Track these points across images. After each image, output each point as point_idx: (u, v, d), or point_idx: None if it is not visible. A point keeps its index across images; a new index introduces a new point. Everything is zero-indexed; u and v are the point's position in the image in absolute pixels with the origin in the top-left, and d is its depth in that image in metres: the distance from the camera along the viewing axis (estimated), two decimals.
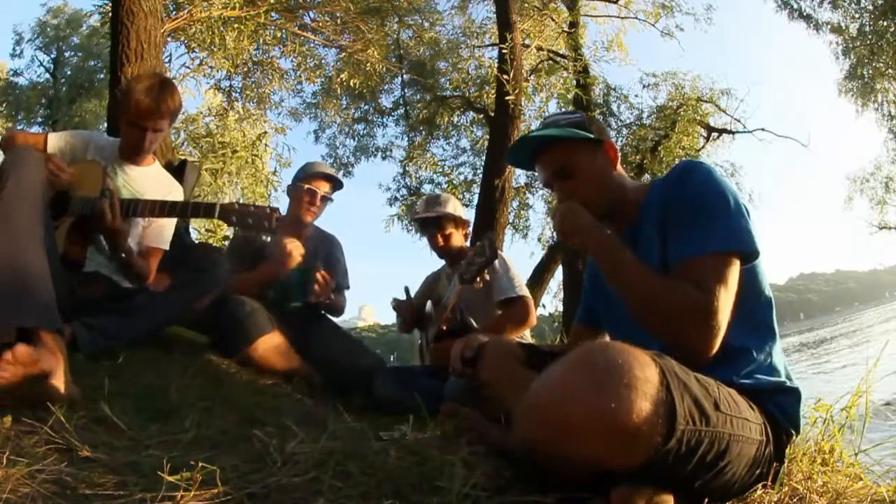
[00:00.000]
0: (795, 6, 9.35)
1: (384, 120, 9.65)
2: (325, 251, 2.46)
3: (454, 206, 2.45)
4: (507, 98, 5.73)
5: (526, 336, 2.38)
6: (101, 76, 12.78)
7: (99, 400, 1.13)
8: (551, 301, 8.86)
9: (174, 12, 5.01)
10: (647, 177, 8.03)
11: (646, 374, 0.76)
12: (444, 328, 2.08)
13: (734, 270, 1.00)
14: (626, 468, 0.78)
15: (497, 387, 1.20)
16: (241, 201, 1.82)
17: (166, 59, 5.03)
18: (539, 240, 8.85)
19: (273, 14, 5.97)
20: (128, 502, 0.78)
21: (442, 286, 2.44)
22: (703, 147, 8.87)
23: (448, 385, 1.78)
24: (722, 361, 0.97)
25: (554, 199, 1.41)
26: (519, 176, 7.69)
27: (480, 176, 7.77)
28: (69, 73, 14.02)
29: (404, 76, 8.64)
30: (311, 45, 6.72)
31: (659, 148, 8.35)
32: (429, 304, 2.36)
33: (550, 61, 8.44)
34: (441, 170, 9.18)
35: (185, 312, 1.82)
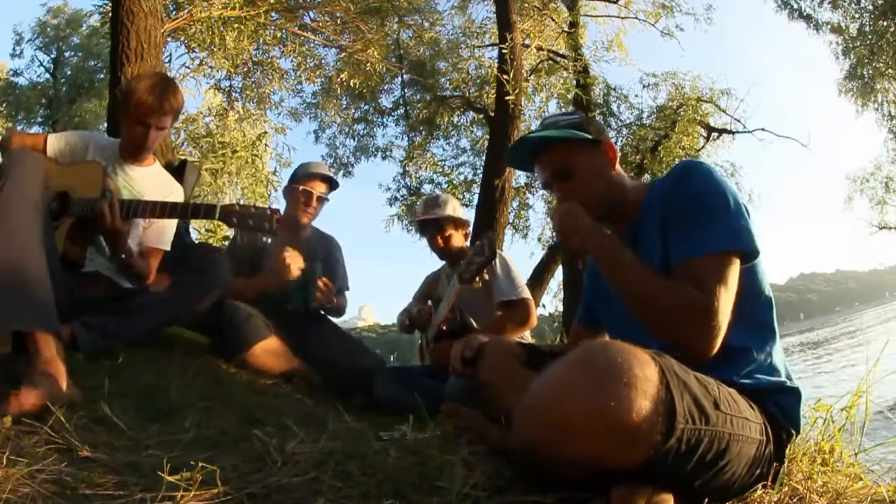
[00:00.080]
0: (795, 6, 9.36)
1: (384, 120, 9.66)
2: (324, 252, 2.46)
3: (453, 207, 2.45)
4: (507, 98, 5.73)
5: (526, 336, 2.38)
6: (101, 76, 12.78)
7: (99, 400, 1.13)
8: (551, 301, 8.88)
9: (174, 12, 5.01)
10: (647, 177, 8.03)
11: (645, 372, 0.76)
12: (444, 328, 2.08)
13: (734, 270, 1.00)
14: (626, 467, 0.78)
15: (497, 387, 1.20)
16: (241, 202, 1.82)
17: (166, 59, 5.03)
18: (539, 240, 8.86)
19: (273, 14, 5.96)
20: (128, 502, 0.78)
21: (442, 286, 2.44)
22: (703, 147, 8.87)
23: (448, 385, 1.78)
24: (722, 361, 0.97)
25: (554, 200, 1.41)
26: (519, 176, 7.68)
27: (480, 176, 7.77)
28: (69, 73, 14.02)
29: (404, 76, 8.64)
30: (311, 45, 6.72)
31: (659, 148, 8.35)
32: (429, 304, 2.36)
33: (550, 61, 8.44)
34: (441, 170, 9.18)
35: (185, 313, 1.82)
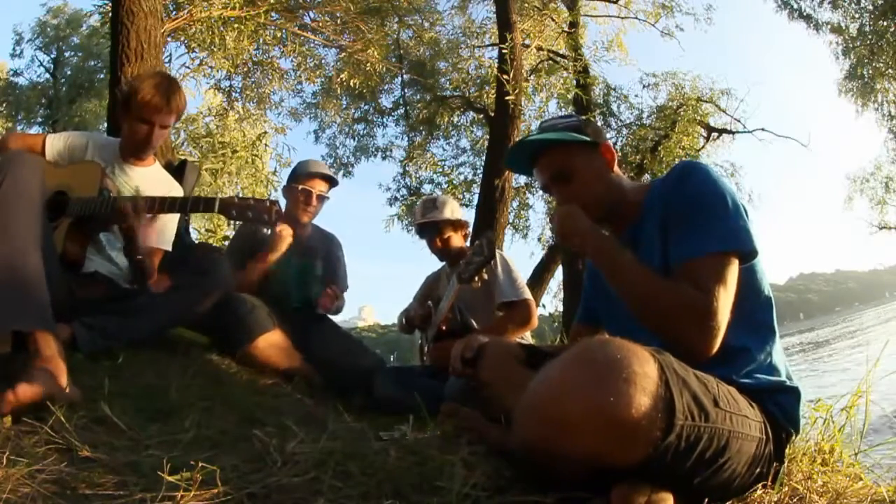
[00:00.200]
0: (795, 6, 9.36)
1: (384, 120, 9.67)
2: (325, 250, 2.46)
3: (451, 209, 2.45)
4: (507, 98, 5.73)
5: (526, 336, 2.39)
6: (101, 76, 12.78)
7: (99, 400, 1.13)
8: (551, 301, 8.88)
9: (174, 12, 5.01)
10: (647, 177, 8.03)
11: (645, 369, 0.77)
12: (444, 328, 2.08)
13: (733, 270, 1.00)
14: (625, 464, 0.78)
15: (497, 387, 1.20)
16: (240, 195, 1.83)
17: (166, 59, 5.03)
18: (539, 240, 8.86)
19: (273, 14, 5.96)
20: (128, 502, 0.78)
21: (442, 286, 2.44)
22: (703, 147, 8.87)
23: (448, 385, 1.78)
24: (722, 361, 0.97)
25: (554, 201, 1.41)
26: (519, 176, 7.68)
27: (480, 176, 7.78)
28: (69, 73, 14.03)
29: (404, 76, 8.64)
30: (311, 45, 6.72)
31: (659, 148, 8.35)
32: (429, 304, 2.36)
33: (550, 61, 8.44)
34: (441, 170, 9.18)
35: (185, 314, 1.82)
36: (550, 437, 0.78)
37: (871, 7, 8.80)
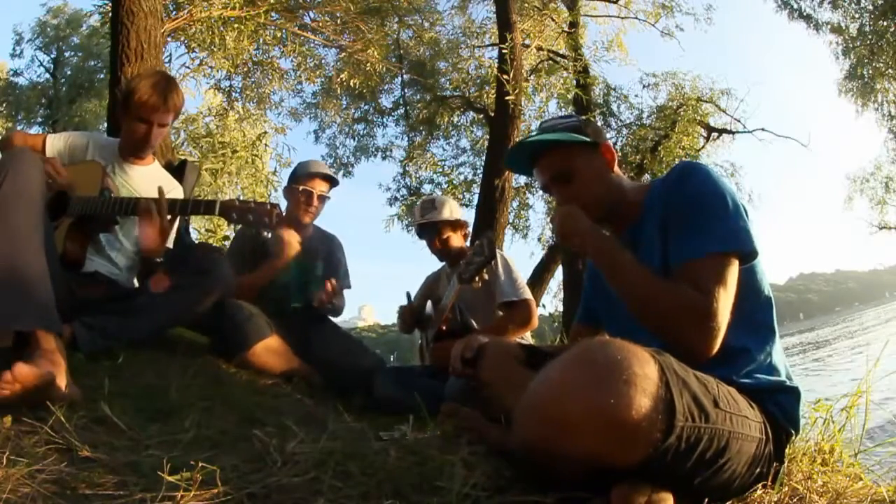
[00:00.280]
0: (795, 6, 9.36)
1: (384, 120, 9.66)
2: (326, 250, 2.46)
3: (450, 210, 2.46)
4: (507, 98, 5.73)
5: (526, 337, 2.39)
6: (101, 76, 12.78)
7: (99, 400, 1.13)
8: (551, 301, 8.88)
9: (174, 12, 5.01)
10: (647, 177, 8.03)
11: (645, 370, 0.77)
12: (444, 328, 2.08)
13: (733, 271, 1.00)
14: (626, 465, 0.78)
15: (497, 387, 1.20)
16: (241, 198, 1.83)
17: (166, 59, 5.03)
18: (539, 240, 8.86)
19: (273, 14, 5.96)
20: (128, 502, 0.78)
21: (442, 286, 2.45)
22: (703, 147, 8.87)
23: (448, 385, 1.78)
24: (722, 361, 0.97)
25: (554, 201, 1.41)
26: (519, 176, 7.68)
27: (480, 176, 7.78)
28: (69, 73, 14.02)
29: (404, 76, 8.64)
30: (311, 45, 6.72)
31: (659, 148, 8.35)
32: (429, 304, 2.36)
33: (550, 61, 8.44)
34: (441, 170, 9.18)
35: (185, 314, 1.82)
36: (550, 437, 0.78)
37: (871, 7, 8.80)
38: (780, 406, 1.00)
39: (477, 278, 1.74)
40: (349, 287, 2.51)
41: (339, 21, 6.48)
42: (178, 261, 1.86)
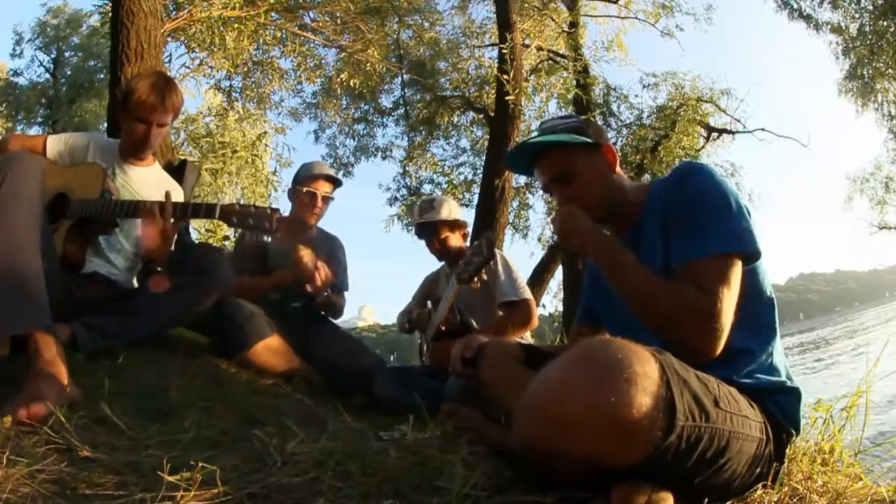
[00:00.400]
0: (795, 6, 9.36)
1: (384, 120, 9.66)
2: (328, 251, 2.46)
3: (448, 210, 2.46)
4: (507, 98, 5.73)
5: (526, 336, 2.39)
6: (101, 76, 12.78)
7: (99, 400, 1.13)
8: (551, 301, 8.88)
9: (174, 12, 5.01)
10: (647, 177, 8.03)
11: (646, 369, 0.77)
12: (444, 328, 2.08)
13: (736, 271, 1.00)
14: (626, 464, 0.78)
15: (497, 387, 1.20)
16: (241, 202, 1.82)
17: (166, 59, 5.03)
18: (539, 240, 8.86)
19: (273, 14, 5.96)
20: (128, 502, 0.78)
21: (441, 286, 2.45)
22: (703, 147, 8.87)
23: (448, 385, 1.78)
24: (723, 362, 0.97)
25: (554, 201, 1.41)
26: (519, 176, 7.68)
27: (480, 176, 7.77)
28: (69, 73, 14.02)
29: (404, 76, 8.64)
30: (311, 45, 6.72)
31: (659, 148, 8.35)
32: (429, 304, 2.36)
33: (550, 61, 8.43)
34: (441, 170, 9.18)
35: (185, 314, 1.82)
36: (551, 436, 0.78)
37: (871, 7, 8.80)
38: (781, 406, 1.00)
39: (476, 279, 1.74)
40: (348, 289, 2.51)
41: (339, 21, 6.48)
42: (178, 261, 1.86)
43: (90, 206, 1.70)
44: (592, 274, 1.35)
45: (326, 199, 2.37)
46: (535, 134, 1.28)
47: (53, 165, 1.85)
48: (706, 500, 0.84)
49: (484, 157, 7.17)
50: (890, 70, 9.21)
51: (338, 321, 2.47)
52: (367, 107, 9.57)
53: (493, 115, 6.87)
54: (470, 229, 2.75)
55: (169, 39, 5.02)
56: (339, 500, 0.83)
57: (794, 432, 1.02)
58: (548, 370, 0.81)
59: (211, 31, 5.45)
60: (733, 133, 8.95)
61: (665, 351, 0.85)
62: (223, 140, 7.62)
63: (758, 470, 0.93)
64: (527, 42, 7.44)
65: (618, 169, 1.24)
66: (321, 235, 2.50)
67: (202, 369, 1.78)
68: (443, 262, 2.57)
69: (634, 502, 0.79)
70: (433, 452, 1.00)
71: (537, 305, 2.53)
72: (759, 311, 1.07)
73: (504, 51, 5.81)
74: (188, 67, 6.06)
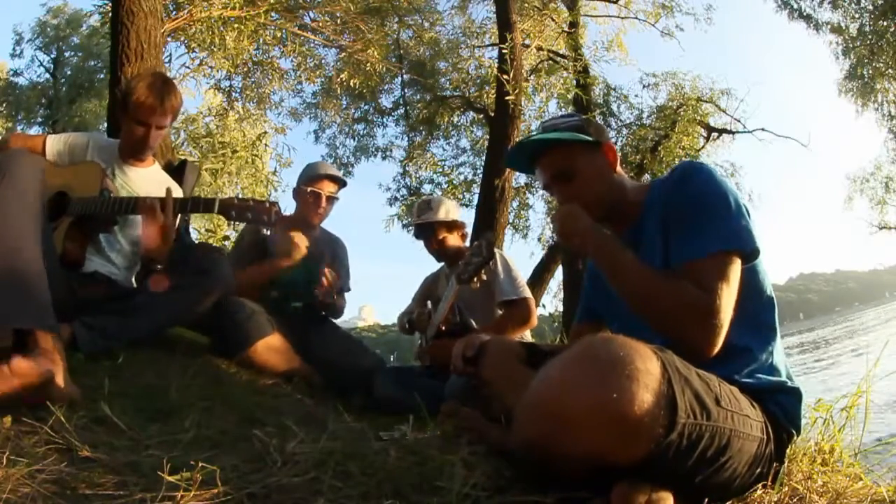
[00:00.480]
0: (795, 6, 9.36)
1: (384, 120, 9.66)
2: (331, 253, 2.47)
3: (446, 211, 2.46)
4: (507, 98, 5.73)
5: (526, 336, 2.39)
6: (101, 76, 12.78)
7: (99, 400, 1.13)
8: (551, 301, 8.88)
9: (174, 12, 5.00)
10: (647, 177, 8.03)
11: (647, 366, 0.77)
12: (444, 328, 2.08)
13: (735, 270, 1.00)
14: (627, 462, 0.78)
15: (498, 385, 1.20)
16: (240, 196, 1.83)
17: (166, 59, 5.03)
18: (539, 240, 8.86)
19: (273, 14, 5.96)
20: (128, 502, 0.78)
21: (441, 287, 2.45)
22: (703, 147, 8.87)
23: (448, 385, 1.78)
24: (724, 361, 0.97)
25: (554, 200, 1.41)
26: (519, 176, 7.66)
27: (480, 176, 7.77)
28: (69, 73, 14.02)
29: (404, 76, 8.64)
30: (311, 45, 6.72)
31: (659, 148, 8.35)
32: (429, 304, 2.36)
33: (550, 61, 8.43)
34: (441, 170, 9.18)
35: (185, 313, 1.82)
36: (552, 434, 0.78)
37: (871, 7, 8.80)
38: (781, 406, 1.00)
39: (475, 279, 1.74)
40: (349, 290, 2.51)
41: (339, 21, 6.48)
42: (178, 261, 1.86)
43: (90, 203, 1.71)
44: (592, 274, 1.35)
45: (331, 200, 2.38)
46: (537, 132, 1.28)
47: (53, 165, 1.85)
48: (706, 499, 0.84)
49: (484, 157, 7.17)
50: (890, 70, 9.21)
51: (338, 321, 2.47)
52: (367, 107, 9.57)
53: (493, 115, 6.87)
54: (470, 229, 2.75)
55: (169, 39, 5.03)
56: (339, 500, 0.83)
57: (794, 432, 1.02)
58: (549, 368, 0.81)
59: (211, 31, 5.45)
60: (733, 133, 8.95)
61: (667, 349, 0.85)
62: (223, 140, 7.62)
63: (758, 470, 0.93)
64: (527, 42, 7.44)
65: (618, 168, 1.25)
66: (324, 236, 2.50)
67: (202, 369, 1.78)
68: (442, 263, 2.57)
69: (634, 502, 0.79)
70: (433, 452, 1.00)
71: (537, 305, 2.53)
72: (759, 311, 1.07)
73: (504, 51, 5.81)
74: (188, 67, 6.07)
